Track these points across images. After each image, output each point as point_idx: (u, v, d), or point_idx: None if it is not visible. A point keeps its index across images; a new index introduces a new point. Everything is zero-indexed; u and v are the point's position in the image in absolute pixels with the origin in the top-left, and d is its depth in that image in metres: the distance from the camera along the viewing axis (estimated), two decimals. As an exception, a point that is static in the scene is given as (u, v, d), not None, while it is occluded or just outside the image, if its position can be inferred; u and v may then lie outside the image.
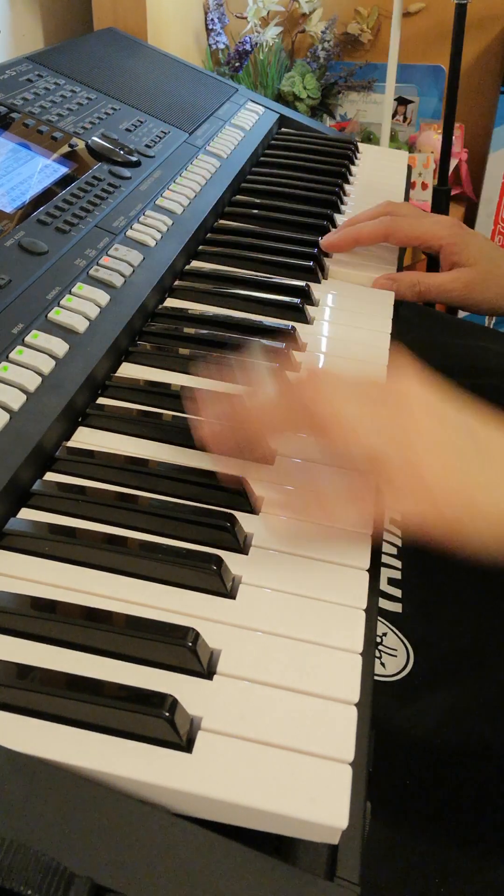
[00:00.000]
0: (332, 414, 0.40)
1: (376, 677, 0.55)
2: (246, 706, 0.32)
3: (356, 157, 0.97)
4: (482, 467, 0.39)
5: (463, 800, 0.49)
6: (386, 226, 0.71)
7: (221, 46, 1.38)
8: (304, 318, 0.61)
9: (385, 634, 0.58)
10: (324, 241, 0.72)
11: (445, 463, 0.39)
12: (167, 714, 0.30)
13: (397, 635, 0.58)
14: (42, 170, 0.64)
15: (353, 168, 0.94)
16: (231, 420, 0.44)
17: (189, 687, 0.33)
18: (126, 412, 0.48)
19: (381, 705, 0.53)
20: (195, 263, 0.68)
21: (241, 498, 0.42)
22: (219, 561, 0.38)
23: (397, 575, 0.64)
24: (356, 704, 0.33)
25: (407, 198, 0.90)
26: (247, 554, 0.40)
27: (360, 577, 0.40)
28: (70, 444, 0.46)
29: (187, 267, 0.66)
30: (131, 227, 0.62)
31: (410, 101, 1.55)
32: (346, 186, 0.88)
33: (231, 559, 0.39)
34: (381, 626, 0.59)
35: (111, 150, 0.70)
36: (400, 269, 0.74)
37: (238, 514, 0.41)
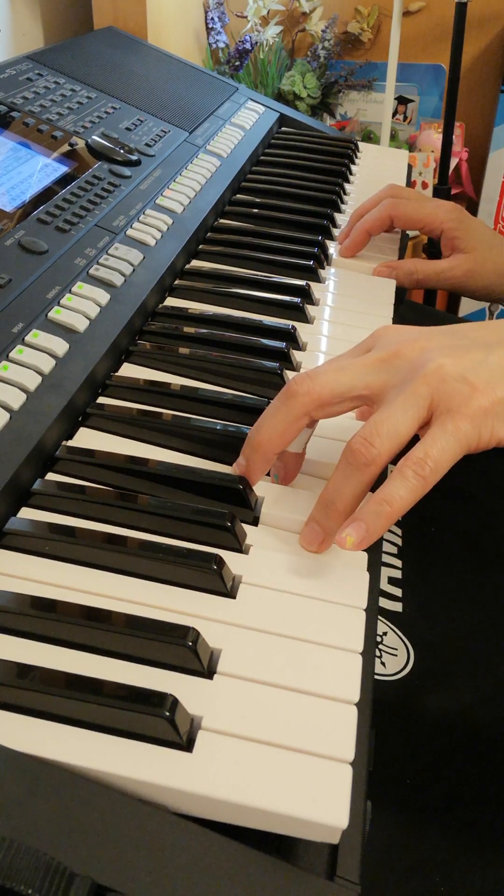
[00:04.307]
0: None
1: (377, 676, 0.55)
2: (246, 705, 0.32)
3: (356, 157, 0.97)
4: None
5: (463, 798, 0.49)
6: (389, 208, 0.72)
7: (221, 45, 1.38)
8: (304, 318, 0.61)
9: (385, 634, 0.58)
10: (340, 251, 0.73)
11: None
12: (168, 713, 0.30)
13: (397, 635, 0.58)
14: (42, 169, 0.64)
15: (353, 167, 0.94)
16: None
17: (189, 686, 0.33)
18: (126, 412, 0.48)
19: (381, 705, 0.53)
20: (195, 263, 0.68)
21: (241, 497, 0.42)
22: (219, 560, 0.38)
23: (397, 574, 0.64)
24: (356, 704, 0.33)
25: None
26: (247, 553, 0.40)
27: (360, 576, 0.40)
28: (70, 443, 0.46)
29: (187, 266, 0.66)
30: (131, 227, 0.62)
31: (411, 100, 1.55)
32: (347, 186, 0.88)
33: (231, 559, 0.39)
34: (382, 626, 0.59)
35: (111, 149, 0.70)
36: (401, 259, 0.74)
37: (237, 514, 0.41)
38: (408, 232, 0.80)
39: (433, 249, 1.31)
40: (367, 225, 0.72)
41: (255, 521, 0.43)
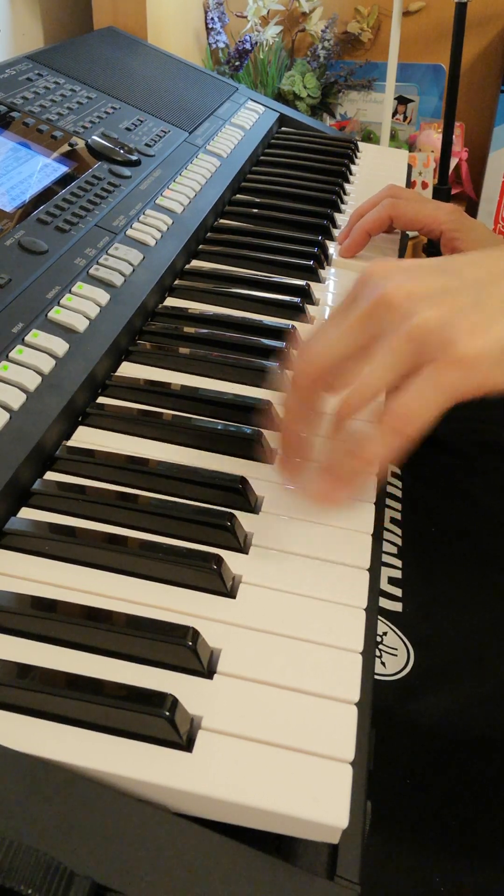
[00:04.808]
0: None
1: (376, 676, 0.55)
2: (246, 705, 0.32)
3: (356, 157, 0.97)
4: None
5: (463, 799, 0.49)
6: (389, 209, 0.72)
7: (221, 45, 1.38)
8: (304, 318, 0.61)
9: (385, 634, 0.58)
10: (340, 251, 0.73)
11: None
12: (167, 713, 0.30)
13: (397, 634, 0.58)
14: (42, 169, 0.64)
15: (353, 167, 0.94)
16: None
17: (189, 686, 0.33)
18: (126, 411, 0.48)
19: (381, 704, 0.53)
20: (195, 263, 0.68)
21: (241, 497, 0.42)
22: (219, 560, 0.38)
23: (397, 574, 0.64)
24: (356, 704, 0.33)
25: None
26: (247, 553, 0.40)
27: (360, 576, 0.40)
28: (70, 443, 0.46)
29: (187, 266, 0.66)
30: (131, 227, 0.62)
31: (410, 100, 1.55)
32: (347, 186, 0.88)
33: (231, 559, 0.39)
34: (382, 626, 0.59)
35: (111, 149, 0.70)
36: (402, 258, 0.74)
37: (238, 514, 0.41)
38: (408, 232, 0.80)
39: (433, 250, 1.30)
40: (367, 225, 0.71)
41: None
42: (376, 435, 0.37)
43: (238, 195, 0.81)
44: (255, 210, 0.77)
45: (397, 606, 0.61)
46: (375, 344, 0.39)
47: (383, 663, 0.56)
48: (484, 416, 0.80)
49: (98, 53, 0.91)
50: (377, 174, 0.94)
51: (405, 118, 1.56)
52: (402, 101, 1.55)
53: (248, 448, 0.46)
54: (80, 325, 0.50)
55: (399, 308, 0.39)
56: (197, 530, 0.40)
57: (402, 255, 0.76)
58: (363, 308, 0.40)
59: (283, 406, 0.43)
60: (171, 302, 0.62)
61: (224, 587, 0.37)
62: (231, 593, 0.38)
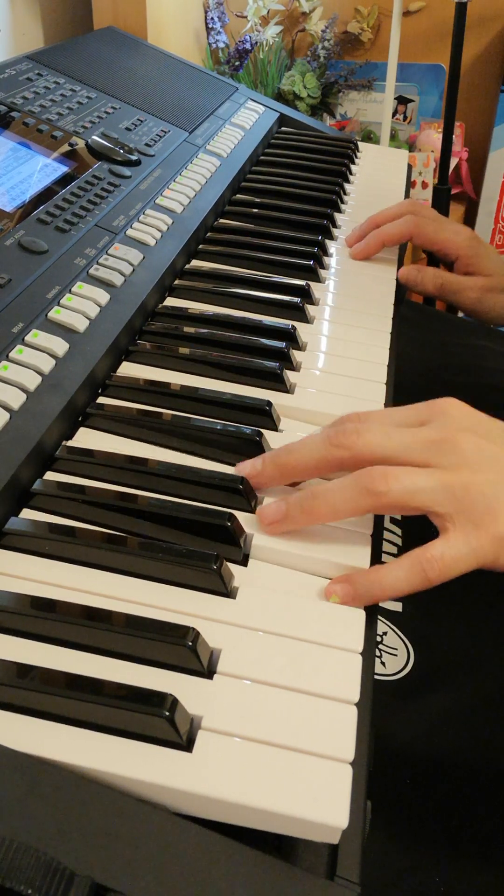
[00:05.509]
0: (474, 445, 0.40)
1: (376, 676, 0.55)
2: (246, 705, 0.32)
3: (356, 157, 0.97)
4: None
5: (463, 799, 0.49)
6: (411, 226, 0.72)
7: (221, 45, 1.38)
8: (304, 318, 0.61)
9: (385, 633, 0.58)
10: (353, 252, 0.73)
11: None
12: (167, 713, 0.30)
13: (397, 634, 0.58)
14: (42, 169, 0.64)
15: (353, 167, 0.94)
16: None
17: (189, 686, 0.33)
18: (126, 411, 0.48)
19: (381, 704, 0.53)
20: (195, 262, 0.68)
21: (241, 497, 0.42)
22: (219, 560, 0.38)
23: (397, 574, 0.64)
24: (356, 704, 0.33)
25: (407, 196, 0.90)
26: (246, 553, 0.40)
27: (360, 576, 0.40)
28: (70, 443, 0.46)
29: (187, 266, 0.66)
30: (131, 226, 0.62)
31: (411, 100, 1.55)
32: (347, 185, 0.88)
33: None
34: (382, 625, 0.59)
35: (111, 149, 0.70)
36: (400, 266, 0.74)
37: (238, 514, 0.41)
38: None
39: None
40: (386, 237, 0.72)
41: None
42: (403, 570, 0.39)
43: (238, 195, 0.81)
44: (256, 210, 0.77)
45: (397, 606, 0.61)
46: (429, 467, 0.40)
47: (383, 663, 0.56)
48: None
49: (98, 53, 0.91)
50: (377, 174, 0.94)
51: (405, 118, 1.56)
52: (402, 101, 1.55)
53: (248, 448, 0.46)
54: (80, 324, 0.50)
55: (465, 454, 0.40)
56: (197, 530, 0.40)
57: (402, 253, 0.76)
58: (431, 435, 0.41)
59: (305, 451, 0.42)
60: (171, 302, 0.62)
61: (224, 587, 0.37)
62: (231, 593, 0.38)
